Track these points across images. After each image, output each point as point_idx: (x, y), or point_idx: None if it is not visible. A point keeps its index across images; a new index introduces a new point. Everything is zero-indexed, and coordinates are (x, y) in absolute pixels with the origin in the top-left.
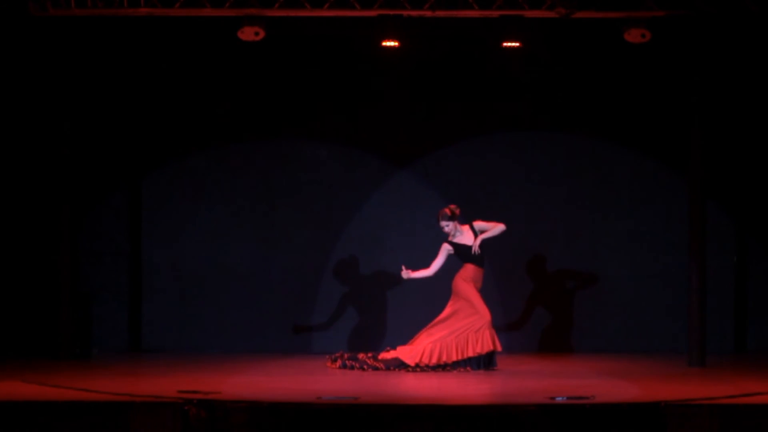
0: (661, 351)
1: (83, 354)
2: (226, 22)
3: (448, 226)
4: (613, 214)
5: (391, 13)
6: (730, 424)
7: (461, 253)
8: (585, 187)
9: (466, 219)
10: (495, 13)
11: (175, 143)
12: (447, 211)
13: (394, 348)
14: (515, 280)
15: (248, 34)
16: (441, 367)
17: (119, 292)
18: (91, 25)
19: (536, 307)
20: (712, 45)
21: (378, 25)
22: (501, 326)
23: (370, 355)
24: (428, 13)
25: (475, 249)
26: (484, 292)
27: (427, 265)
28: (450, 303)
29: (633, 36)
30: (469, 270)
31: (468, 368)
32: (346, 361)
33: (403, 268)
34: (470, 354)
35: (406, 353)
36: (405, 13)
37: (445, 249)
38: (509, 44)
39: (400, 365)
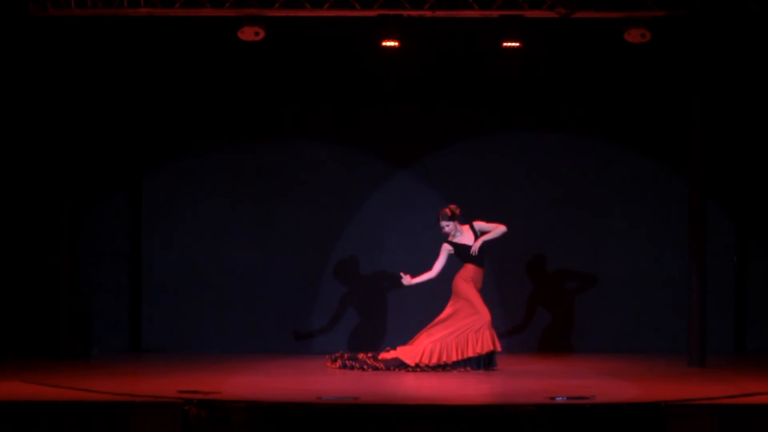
0: (661, 351)
1: (83, 354)
2: (226, 22)
3: (448, 226)
4: (613, 214)
5: (391, 13)
6: (730, 424)
7: (461, 253)
8: (585, 187)
9: (466, 219)
10: (495, 13)
11: (175, 143)
12: (447, 211)
13: (394, 348)
14: (515, 280)
15: (248, 34)
16: (441, 367)
17: (119, 292)
18: (91, 25)
19: (536, 307)
20: (712, 45)
21: (378, 25)
22: (503, 332)
23: (370, 355)
24: (428, 13)
25: (474, 250)
26: (484, 292)
27: (426, 267)
28: (450, 303)
29: (633, 36)
30: (469, 270)
31: (468, 368)
32: (346, 361)
33: (402, 275)
34: (470, 354)
35: (406, 353)
36: (405, 13)
37: (446, 249)
38: (509, 44)
39: (400, 365)
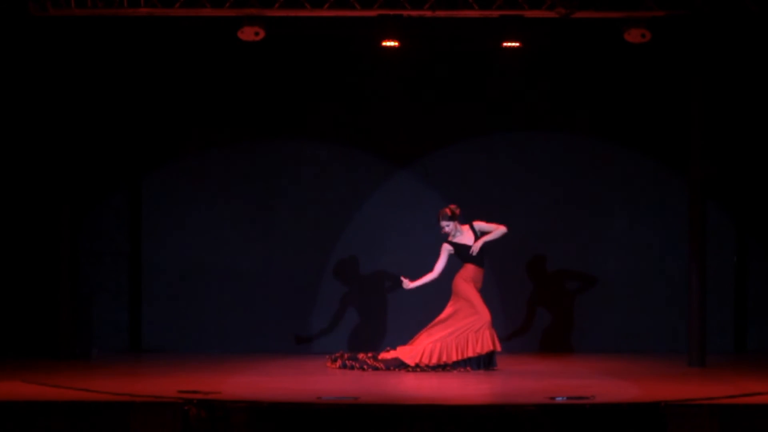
0: (661, 351)
1: (83, 354)
2: (226, 22)
3: (448, 225)
4: (613, 214)
5: (391, 13)
6: (730, 424)
7: (461, 253)
8: (585, 186)
9: (466, 219)
10: (495, 13)
11: (175, 143)
12: (447, 211)
13: (394, 348)
14: (515, 280)
15: (248, 34)
16: (441, 367)
17: (119, 292)
18: (91, 25)
19: (536, 307)
20: (712, 45)
21: (378, 25)
22: (504, 337)
23: (370, 355)
24: (428, 13)
25: (474, 251)
26: (484, 292)
27: (426, 266)
28: (450, 303)
29: (633, 36)
30: (469, 270)
31: (468, 368)
32: (346, 361)
33: (403, 279)
34: (470, 354)
35: (406, 353)
36: (405, 13)
37: (446, 249)
38: (509, 44)
39: (400, 365)
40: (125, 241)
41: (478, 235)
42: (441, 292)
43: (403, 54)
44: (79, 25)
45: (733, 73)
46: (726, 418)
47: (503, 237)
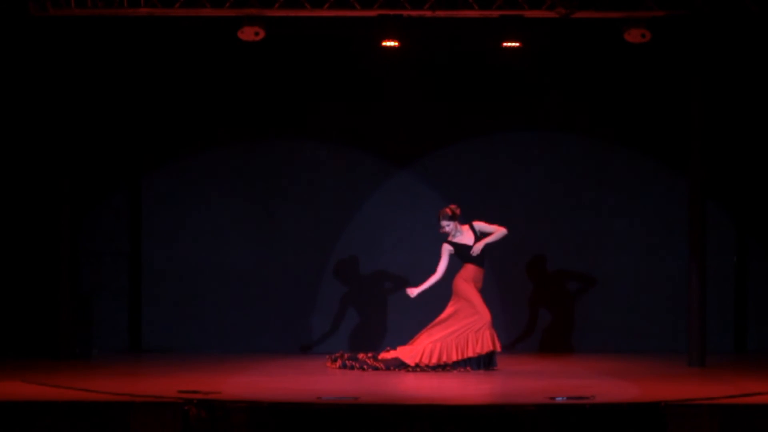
0: (661, 351)
1: (83, 354)
2: (226, 22)
3: (448, 225)
4: (613, 214)
5: (391, 13)
6: (730, 424)
7: (461, 253)
8: (585, 186)
9: (466, 219)
10: (495, 13)
11: (175, 143)
12: (447, 210)
13: (394, 348)
14: (515, 280)
15: (248, 34)
16: (441, 367)
17: (119, 293)
18: (91, 25)
19: (536, 307)
20: (712, 45)
21: (378, 25)
22: (507, 343)
23: (370, 355)
24: (428, 13)
25: (475, 252)
26: (485, 292)
27: (426, 266)
28: (450, 303)
29: (633, 36)
30: (469, 270)
31: (468, 368)
32: (346, 361)
33: (408, 290)
34: (470, 354)
35: (406, 353)
36: (405, 13)
37: (447, 249)
38: (509, 44)
39: (400, 365)
40: (125, 241)
41: (478, 235)
42: (441, 292)
43: (403, 54)
44: (79, 25)
45: (733, 73)
46: (726, 418)
47: (503, 238)
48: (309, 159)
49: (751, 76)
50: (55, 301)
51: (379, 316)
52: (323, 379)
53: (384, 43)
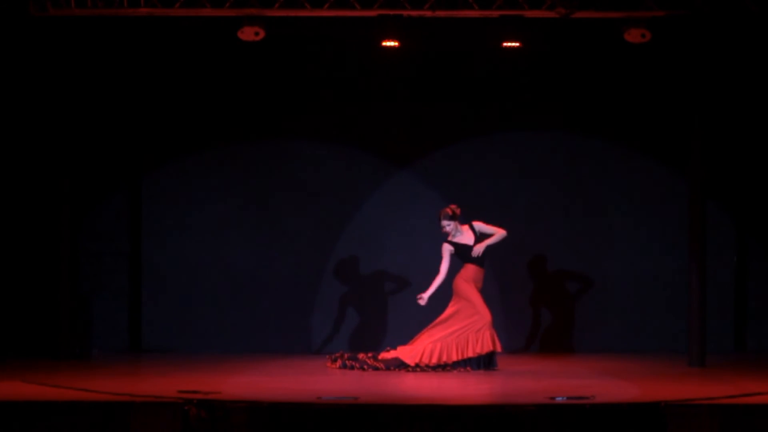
0: (661, 351)
1: (83, 354)
2: (226, 22)
3: (449, 225)
4: (613, 214)
5: (391, 13)
6: (730, 424)
7: (461, 253)
8: (584, 186)
9: (466, 219)
10: (495, 13)
11: (175, 143)
12: (448, 210)
13: (394, 348)
14: (515, 280)
15: (248, 34)
16: (441, 367)
17: (119, 292)
18: (91, 25)
19: (536, 307)
20: (712, 45)
21: (378, 25)
22: (518, 347)
23: (370, 355)
24: (428, 13)
25: (476, 253)
26: (485, 292)
27: (426, 267)
28: (451, 303)
29: (633, 36)
30: (469, 270)
31: (468, 368)
32: (346, 361)
33: (418, 297)
34: (470, 354)
35: (406, 353)
36: (405, 13)
37: (447, 249)
38: (509, 44)
39: (400, 365)
40: (125, 241)
41: (477, 235)
42: (442, 292)
43: (403, 54)
44: (79, 25)
45: (733, 73)
46: (726, 418)
47: (503, 240)
48: (309, 159)
49: (751, 76)
50: (55, 301)
51: (379, 316)
52: (323, 379)
53: (384, 43)
